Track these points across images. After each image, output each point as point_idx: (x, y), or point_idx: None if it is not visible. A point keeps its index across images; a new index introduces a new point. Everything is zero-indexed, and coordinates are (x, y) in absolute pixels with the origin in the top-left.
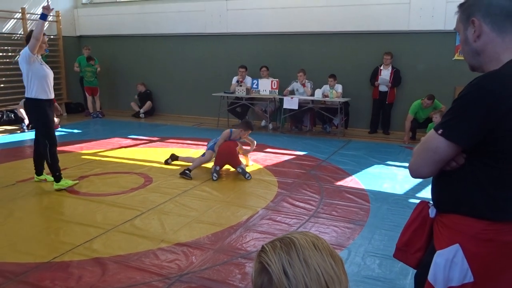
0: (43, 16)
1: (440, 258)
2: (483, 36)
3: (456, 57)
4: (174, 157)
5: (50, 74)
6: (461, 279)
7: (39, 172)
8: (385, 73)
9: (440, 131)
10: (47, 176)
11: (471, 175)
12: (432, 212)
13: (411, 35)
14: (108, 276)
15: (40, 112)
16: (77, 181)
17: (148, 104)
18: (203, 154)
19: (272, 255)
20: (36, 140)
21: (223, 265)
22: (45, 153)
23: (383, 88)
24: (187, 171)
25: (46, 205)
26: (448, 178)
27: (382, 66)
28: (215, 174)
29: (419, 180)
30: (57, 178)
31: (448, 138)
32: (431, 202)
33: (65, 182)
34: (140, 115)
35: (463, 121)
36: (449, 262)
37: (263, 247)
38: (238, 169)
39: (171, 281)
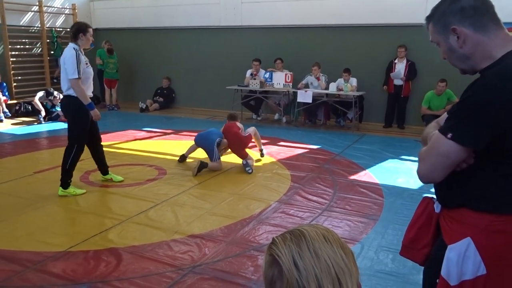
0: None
1: (453, 252)
2: (469, 40)
3: None
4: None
5: (92, 73)
6: (474, 272)
7: (104, 171)
8: (400, 67)
9: (449, 135)
10: (113, 175)
11: (482, 171)
12: (437, 207)
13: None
14: (123, 266)
15: (79, 113)
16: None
17: (155, 105)
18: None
19: (282, 247)
20: (88, 141)
21: (235, 257)
22: (66, 158)
23: (398, 81)
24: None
25: (63, 196)
26: (455, 175)
27: (396, 59)
28: (248, 168)
29: None
30: (66, 185)
31: (459, 142)
32: (435, 197)
33: (73, 190)
34: (141, 105)
35: (474, 123)
36: (462, 256)
37: (273, 239)
38: (243, 161)
39: (184, 272)
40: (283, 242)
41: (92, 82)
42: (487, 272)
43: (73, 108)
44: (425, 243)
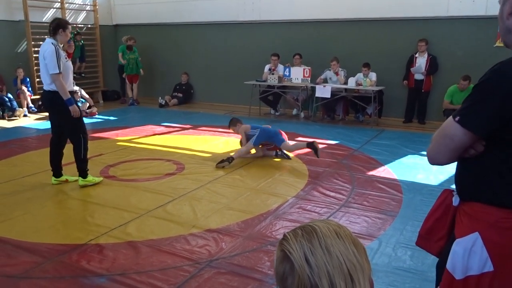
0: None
1: (459, 246)
2: None
3: (497, 44)
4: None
5: (71, 67)
6: (480, 268)
7: (58, 173)
8: (421, 61)
9: (457, 118)
10: (68, 176)
11: (490, 162)
12: (455, 200)
13: (450, 21)
14: (141, 259)
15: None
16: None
17: (173, 101)
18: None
19: (294, 243)
20: (56, 138)
21: (252, 252)
22: (79, 150)
23: (419, 76)
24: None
25: (83, 189)
26: (469, 165)
27: (417, 53)
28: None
29: (454, 171)
30: (85, 174)
31: (464, 126)
32: (456, 190)
33: (92, 178)
34: (160, 101)
35: (480, 108)
36: (468, 250)
37: (284, 235)
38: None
39: (201, 266)
40: (294, 238)
41: (72, 77)
42: (494, 269)
43: (60, 103)
44: (441, 235)
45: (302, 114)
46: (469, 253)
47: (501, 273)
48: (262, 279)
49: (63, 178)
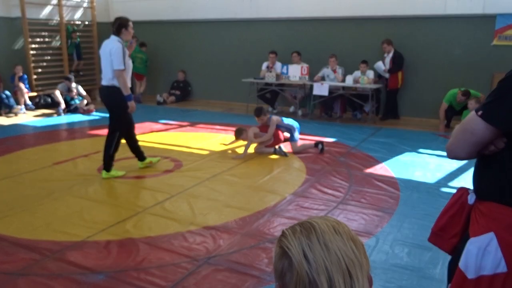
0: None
1: (473, 245)
2: None
3: (495, 42)
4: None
5: (131, 65)
6: (493, 268)
7: (142, 157)
8: (387, 61)
9: (480, 113)
10: (152, 158)
11: (508, 162)
12: (471, 198)
13: (447, 19)
14: (139, 256)
15: (124, 102)
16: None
17: (171, 98)
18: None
19: (292, 239)
20: (126, 131)
21: (250, 249)
22: (110, 145)
23: (385, 74)
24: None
25: (81, 186)
26: (488, 164)
27: (385, 54)
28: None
29: (452, 169)
30: (110, 168)
31: (486, 120)
32: (471, 188)
33: (115, 172)
34: (158, 99)
35: (504, 103)
36: (482, 250)
37: (283, 231)
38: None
39: (199, 263)
40: (293, 234)
41: (130, 74)
42: (508, 270)
43: (118, 98)
44: (454, 233)
45: (299, 112)
46: (483, 252)
47: None
48: (260, 276)
49: (147, 160)
